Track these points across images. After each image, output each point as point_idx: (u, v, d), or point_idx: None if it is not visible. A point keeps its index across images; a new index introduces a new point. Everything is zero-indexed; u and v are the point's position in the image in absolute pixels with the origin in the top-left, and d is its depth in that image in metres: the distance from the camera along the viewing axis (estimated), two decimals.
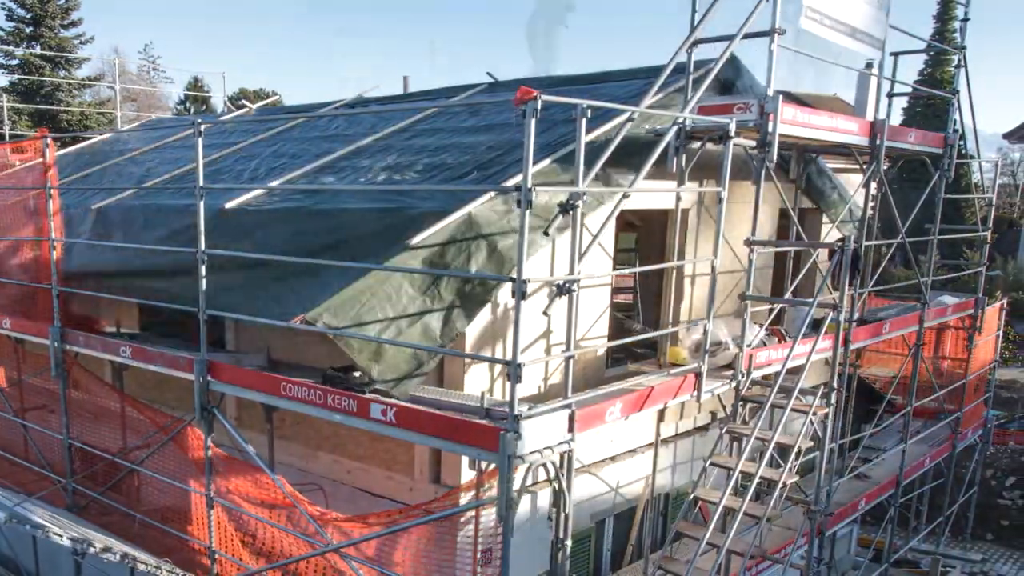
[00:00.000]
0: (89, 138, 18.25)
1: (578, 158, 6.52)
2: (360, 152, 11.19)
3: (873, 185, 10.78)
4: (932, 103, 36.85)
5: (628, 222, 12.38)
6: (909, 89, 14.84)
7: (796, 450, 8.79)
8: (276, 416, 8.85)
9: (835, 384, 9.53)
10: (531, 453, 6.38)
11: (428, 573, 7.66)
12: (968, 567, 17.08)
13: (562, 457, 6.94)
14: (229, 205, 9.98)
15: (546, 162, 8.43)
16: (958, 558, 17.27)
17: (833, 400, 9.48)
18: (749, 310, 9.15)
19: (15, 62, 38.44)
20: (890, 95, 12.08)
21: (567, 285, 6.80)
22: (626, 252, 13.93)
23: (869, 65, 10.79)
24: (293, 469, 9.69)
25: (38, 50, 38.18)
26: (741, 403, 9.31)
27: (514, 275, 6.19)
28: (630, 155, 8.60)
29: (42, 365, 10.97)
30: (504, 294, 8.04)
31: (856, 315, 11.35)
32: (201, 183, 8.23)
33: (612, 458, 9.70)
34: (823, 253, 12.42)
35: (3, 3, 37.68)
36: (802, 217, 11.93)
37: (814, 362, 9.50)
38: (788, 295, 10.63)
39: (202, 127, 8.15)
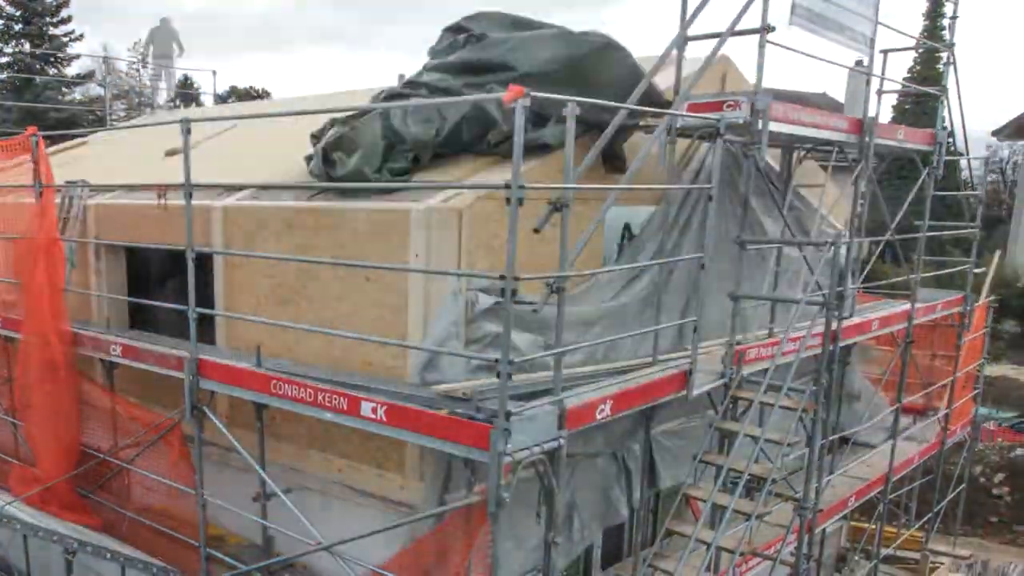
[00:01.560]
0: (81, 136, 18.16)
1: (568, 155, 6.53)
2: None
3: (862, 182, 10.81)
4: (922, 101, 36.99)
5: None
6: (899, 87, 14.91)
7: (785, 447, 8.82)
8: (267, 414, 8.84)
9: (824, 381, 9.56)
10: (521, 451, 6.38)
11: (419, 571, 7.68)
12: (957, 563, 17.18)
13: (553, 454, 6.94)
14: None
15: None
16: (947, 554, 17.37)
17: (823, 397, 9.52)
18: (740, 308, 9.18)
19: (5, 59, 38.28)
20: (880, 92, 12.13)
21: (557, 283, 6.80)
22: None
23: (859, 63, 10.84)
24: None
25: (27, 47, 38.02)
26: (731, 400, 9.32)
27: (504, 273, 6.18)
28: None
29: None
30: None
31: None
32: (190, 180, 8.20)
33: None
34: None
35: None
36: None
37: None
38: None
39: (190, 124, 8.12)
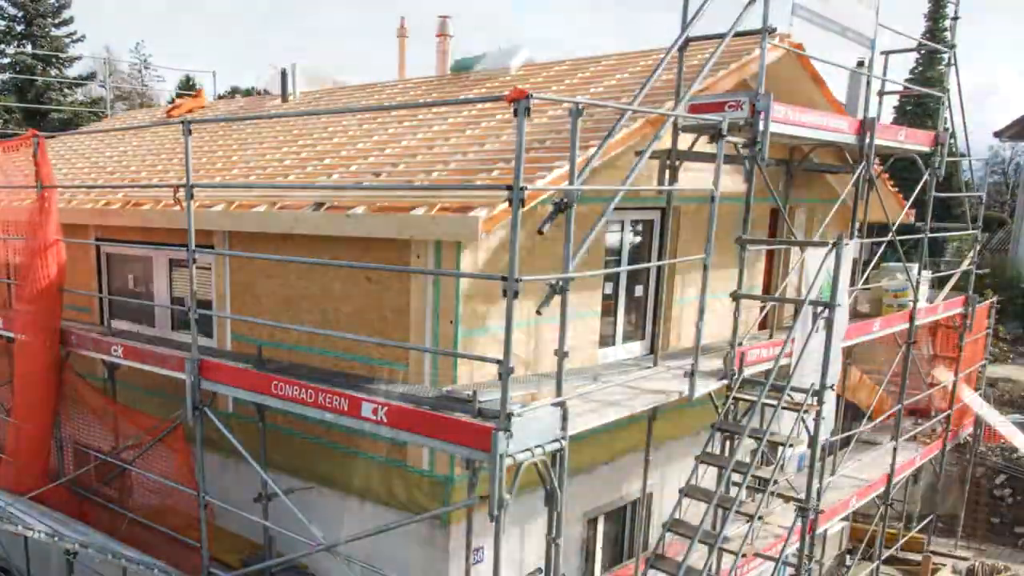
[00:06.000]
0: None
1: (572, 156, 6.51)
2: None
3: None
4: (923, 102, 36.89)
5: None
6: (900, 87, 14.88)
7: (786, 448, 8.80)
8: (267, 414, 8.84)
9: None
10: (523, 452, 6.36)
11: (420, 569, 7.67)
12: (958, 564, 17.13)
13: (554, 456, 6.92)
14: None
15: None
16: (949, 555, 17.33)
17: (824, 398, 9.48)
18: (740, 307, 9.16)
19: (6, 60, 38.29)
20: (881, 93, 12.10)
21: (560, 284, 6.77)
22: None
23: (860, 64, 10.81)
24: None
25: (29, 49, 38.04)
26: (733, 401, 9.30)
27: (506, 273, 6.16)
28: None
29: None
30: None
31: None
32: (190, 181, 8.19)
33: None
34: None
35: None
36: (793, 215, 11.94)
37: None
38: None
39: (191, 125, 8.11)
